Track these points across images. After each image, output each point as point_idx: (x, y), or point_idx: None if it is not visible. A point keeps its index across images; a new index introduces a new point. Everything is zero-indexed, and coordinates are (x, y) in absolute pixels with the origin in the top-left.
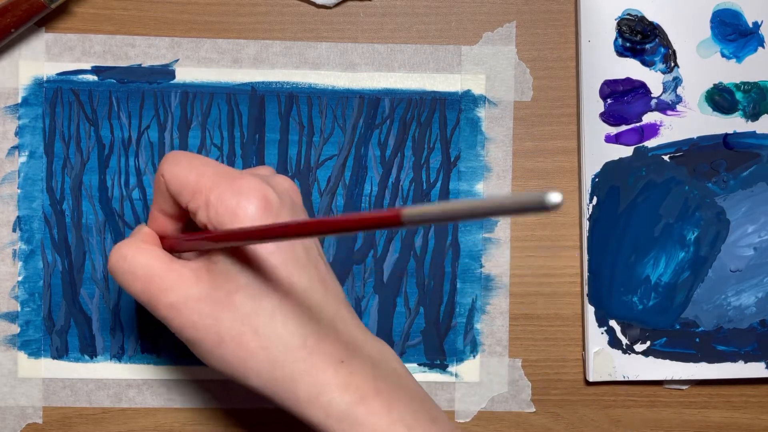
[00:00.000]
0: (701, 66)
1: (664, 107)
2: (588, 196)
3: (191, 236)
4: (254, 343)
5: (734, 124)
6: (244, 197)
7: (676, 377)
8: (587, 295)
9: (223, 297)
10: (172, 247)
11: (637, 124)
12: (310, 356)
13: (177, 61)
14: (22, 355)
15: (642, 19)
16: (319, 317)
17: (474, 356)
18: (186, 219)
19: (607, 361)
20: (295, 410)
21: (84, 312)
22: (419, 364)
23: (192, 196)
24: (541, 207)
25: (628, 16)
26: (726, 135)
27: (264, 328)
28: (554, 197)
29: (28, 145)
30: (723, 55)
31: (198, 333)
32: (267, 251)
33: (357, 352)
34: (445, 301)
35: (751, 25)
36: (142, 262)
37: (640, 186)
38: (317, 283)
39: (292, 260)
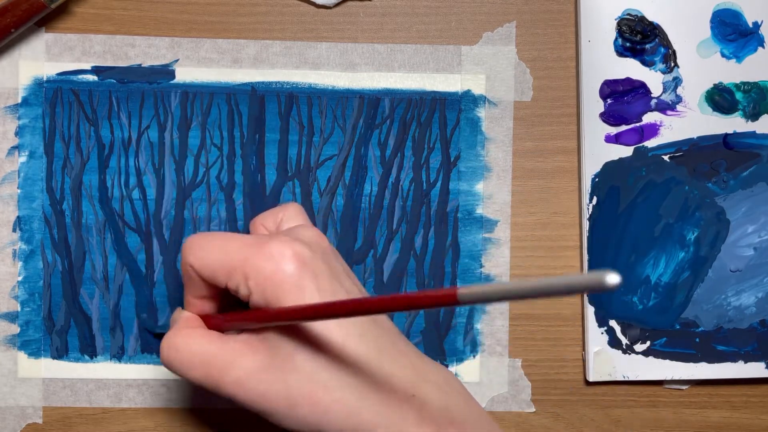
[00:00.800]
0: (701, 66)
1: (664, 107)
2: (588, 196)
3: (239, 316)
4: (327, 398)
5: (734, 124)
6: (278, 260)
7: (676, 377)
8: (587, 295)
9: (283, 361)
10: (218, 327)
11: (637, 124)
12: (383, 397)
13: (177, 61)
14: (22, 355)
15: (642, 19)
16: (380, 356)
17: (474, 356)
18: (222, 295)
19: (607, 361)
20: None
21: (84, 312)
22: None
23: (228, 275)
24: (600, 288)
25: (628, 16)
26: (726, 135)
27: (332, 381)
28: (612, 278)
29: (28, 145)
30: (723, 55)
31: (269, 402)
32: (310, 301)
33: (424, 383)
34: None
35: (751, 25)
36: (194, 348)
37: (640, 186)
38: (370, 322)
39: (359, 328)
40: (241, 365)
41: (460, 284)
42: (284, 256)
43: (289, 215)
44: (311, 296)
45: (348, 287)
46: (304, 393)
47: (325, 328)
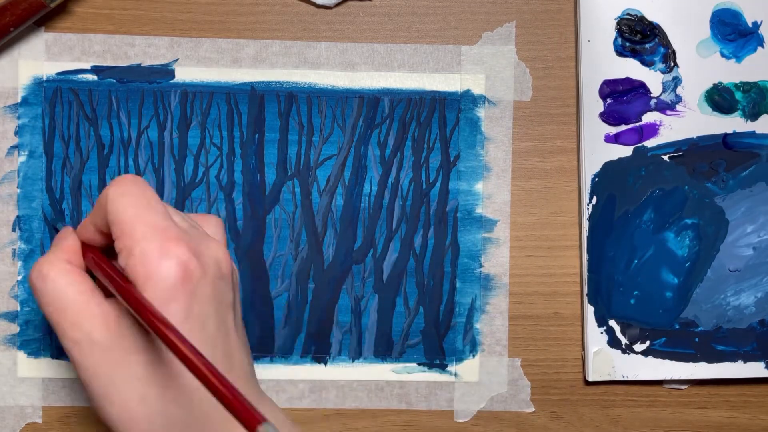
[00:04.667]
0: (701, 66)
1: (664, 107)
2: (587, 196)
3: (106, 275)
4: (140, 411)
5: (734, 123)
6: (165, 262)
7: (676, 377)
8: (586, 294)
9: (122, 354)
10: (89, 265)
11: (637, 124)
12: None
13: (176, 60)
14: (21, 355)
15: (642, 19)
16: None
17: (473, 356)
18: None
19: (607, 360)
20: None
21: None
22: (419, 364)
23: (121, 235)
24: None
25: (627, 16)
26: (725, 135)
27: (152, 399)
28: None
29: (27, 145)
30: (722, 55)
31: (91, 379)
32: (173, 319)
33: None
34: (445, 301)
35: (750, 25)
36: (60, 288)
37: (640, 186)
38: (220, 357)
39: (197, 331)
40: (87, 332)
41: (459, 284)
42: (173, 263)
43: (209, 231)
44: (173, 314)
45: (219, 308)
46: (123, 395)
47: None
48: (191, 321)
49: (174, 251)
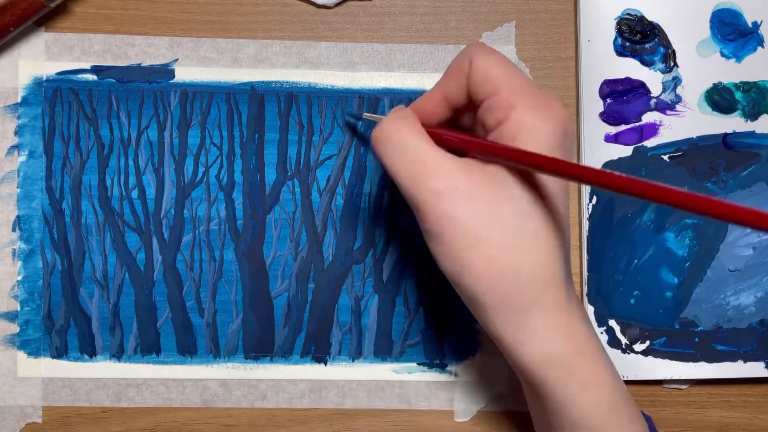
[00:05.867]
0: (701, 66)
1: (664, 107)
2: (588, 196)
3: (477, 140)
4: (505, 260)
5: (734, 123)
6: (553, 121)
7: (675, 377)
8: (586, 294)
9: (492, 203)
10: (437, 138)
11: (637, 124)
12: (550, 295)
13: (176, 60)
14: (21, 355)
15: (642, 19)
16: (563, 258)
17: (473, 355)
18: (453, 114)
19: None
20: (508, 342)
21: (83, 311)
22: (418, 364)
23: (495, 92)
24: None
25: (627, 16)
26: (725, 135)
27: (522, 249)
28: None
29: (27, 145)
30: (722, 55)
31: (452, 228)
32: (548, 177)
33: (576, 305)
34: (445, 301)
35: (750, 25)
36: (414, 143)
37: None
38: (566, 222)
39: (565, 192)
40: (451, 180)
41: None
42: (560, 121)
43: None
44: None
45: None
46: (492, 242)
47: (547, 197)
48: (561, 180)
49: (558, 111)
